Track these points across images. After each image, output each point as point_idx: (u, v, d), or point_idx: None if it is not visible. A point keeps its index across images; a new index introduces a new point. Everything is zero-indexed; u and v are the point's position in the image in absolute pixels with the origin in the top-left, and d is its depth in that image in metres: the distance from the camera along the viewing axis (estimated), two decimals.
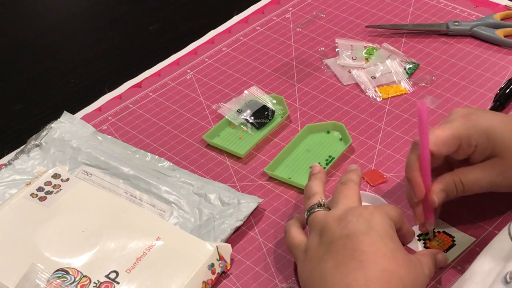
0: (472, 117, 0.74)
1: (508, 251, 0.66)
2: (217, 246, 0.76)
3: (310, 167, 0.87)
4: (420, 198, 0.74)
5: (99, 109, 1.01)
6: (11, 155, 0.94)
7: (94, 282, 0.73)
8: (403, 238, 0.73)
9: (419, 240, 0.78)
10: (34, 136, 0.94)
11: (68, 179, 0.85)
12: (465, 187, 0.75)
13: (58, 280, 0.73)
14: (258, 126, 0.94)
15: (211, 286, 0.77)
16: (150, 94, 1.03)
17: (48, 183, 0.84)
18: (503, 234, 0.68)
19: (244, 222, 0.83)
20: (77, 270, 0.74)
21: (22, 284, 0.72)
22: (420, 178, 0.74)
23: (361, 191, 0.83)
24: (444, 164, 0.77)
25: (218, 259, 0.77)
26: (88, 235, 0.78)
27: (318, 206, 0.73)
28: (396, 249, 0.68)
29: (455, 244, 0.78)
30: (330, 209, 0.73)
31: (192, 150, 0.93)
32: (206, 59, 1.08)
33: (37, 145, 0.93)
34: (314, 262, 0.69)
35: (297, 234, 0.74)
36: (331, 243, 0.68)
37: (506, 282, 0.62)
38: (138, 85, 1.05)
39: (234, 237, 0.82)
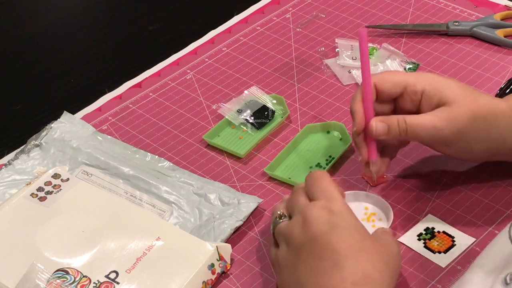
0: (425, 72, 0.78)
1: (508, 254, 0.66)
2: (217, 246, 0.76)
3: (310, 167, 0.87)
4: (360, 128, 0.77)
5: (99, 109, 1.01)
6: (11, 155, 0.94)
7: (94, 282, 0.73)
8: None
9: (419, 240, 0.78)
10: (34, 136, 0.94)
11: (68, 179, 0.85)
12: (408, 127, 0.76)
13: (58, 280, 0.73)
14: (258, 126, 0.94)
15: (211, 286, 0.77)
16: (150, 94, 1.03)
17: (48, 183, 0.84)
18: (503, 236, 0.68)
19: (244, 222, 0.83)
20: (77, 270, 0.74)
21: (22, 284, 0.72)
22: (361, 109, 0.76)
23: (361, 191, 0.83)
24: (394, 112, 0.79)
25: (218, 259, 0.77)
26: (88, 235, 0.78)
27: (279, 218, 0.73)
28: (364, 238, 0.68)
29: (455, 244, 0.78)
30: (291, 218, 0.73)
31: (192, 150, 0.93)
32: (206, 59, 1.08)
33: (37, 145, 0.93)
34: (288, 272, 0.69)
35: (272, 249, 0.74)
36: (299, 250, 0.69)
37: (506, 284, 0.62)
38: (138, 85, 1.05)
39: (234, 237, 0.82)
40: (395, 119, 0.77)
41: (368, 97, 0.76)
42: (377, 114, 0.79)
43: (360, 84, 0.97)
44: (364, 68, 0.75)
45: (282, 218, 0.73)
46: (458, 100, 0.76)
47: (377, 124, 0.76)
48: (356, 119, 0.77)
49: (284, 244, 0.71)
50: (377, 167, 0.79)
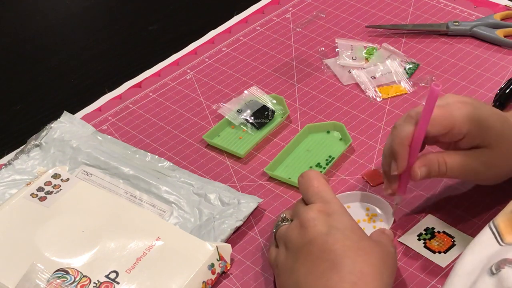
0: (468, 106, 0.75)
1: (492, 250, 0.66)
2: (217, 246, 0.76)
3: (310, 167, 0.87)
4: (401, 171, 0.75)
5: (99, 109, 1.01)
6: (11, 155, 0.94)
7: (94, 282, 0.73)
8: None
9: (419, 240, 0.78)
10: (34, 136, 0.94)
11: (68, 179, 0.85)
12: (448, 169, 0.75)
13: (58, 280, 0.73)
14: (258, 126, 0.94)
15: (211, 286, 0.77)
16: (150, 94, 1.03)
17: (48, 183, 0.84)
18: (485, 232, 0.68)
19: (244, 222, 0.83)
20: (77, 270, 0.74)
21: (22, 284, 0.72)
22: (407, 152, 0.74)
23: (361, 192, 0.83)
24: (430, 144, 0.78)
25: (218, 259, 0.77)
26: (88, 235, 0.78)
27: (281, 221, 0.74)
28: (360, 238, 0.69)
29: (455, 244, 0.78)
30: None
31: (192, 150, 0.93)
32: (206, 59, 1.08)
33: (37, 145, 0.93)
34: (287, 274, 0.70)
35: (272, 252, 0.75)
36: (297, 252, 0.69)
37: (492, 273, 0.62)
38: (138, 85, 1.05)
39: (234, 237, 0.82)
40: (435, 161, 0.75)
41: (418, 144, 0.74)
42: None
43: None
44: (425, 118, 0.72)
45: (284, 221, 0.74)
46: (500, 145, 0.75)
47: (421, 170, 0.75)
48: (399, 162, 0.75)
49: (283, 247, 0.72)
50: (401, 200, 0.79)
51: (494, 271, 0.62)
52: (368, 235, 0.72)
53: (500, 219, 0.67)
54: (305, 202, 0.74)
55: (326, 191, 0.73)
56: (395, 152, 0.75)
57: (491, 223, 0.68)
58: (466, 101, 0.75)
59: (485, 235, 0.67)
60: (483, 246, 0.66)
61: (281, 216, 0.75)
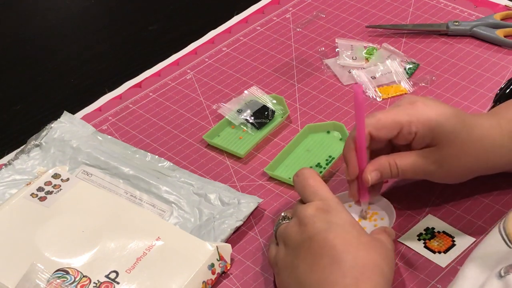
0: (418, 104, 0.76)
1: (501, 251, 0.66)
2: (217, 246, 0.76)
3: (310, 167, 0.87)
4: (352, 177, 0.77)
5: (99, 109, 1.01)
6: (11, 155, 0.94)
7: (94, 282, 0.73)
8: None
9: (419, 240, 0.78)
10: (34, 136, 0.94)
11: (68, 179, 0.85)
12: (399, 171, 0.77)
13: (58, 280, 0.73)
14: (258, 126, 0.94)
15: (211, 286, 0.77)
16: (150, 94, 1.03)
17: (48, 183, 0.84)
18: (494, 234, 0.68)
19: (244, 222, 0.83)
20: (77, 270, 0.74)
21: (22, 284, 0.72)
22: (355, 157, 0.76)
23: None
24: (387, 147, 0.79)
25: (218, 259, 0.77)
26: (88, 235, 0.78)
27: (282, 219, 0.74)
28: (360, 234, 0.69)
29: (455, 244, 0.78)
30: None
31: (192, 150, 0.93)
32: (206, 59, 1.08)
33: (37, 145, 0.93)
34: (287, 272, 0.70)
35: (272, 250, 0.75)
36: (296, 249, 0.69)
37: (501, 276, 0.62)
38: (138, 85, 1.05)
39: (234, 237, 0.82)
40: (387, 164, 0.76)
41: (362, 148, 0.75)
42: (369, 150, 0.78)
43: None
44: (359, 121, 0.74)
45: (285, 220, 0.74)
46: (450, 144, 0.75)
47: (372, 175, 0.76)
48: (349, 168, 0.77)
49: (282, 244, 0.72)
50: (367, 205, 0.80)
51: (503, 274, 0.62)
52: (370, 233, 0.72)
53: (509, 222, 0.67)
54: (303, 201, 0.74)
55: (322, 189, 0.73)
56: (345, 159, 0.77)
57: (500, 226, 0.68)
58: (415, 101, 0.76)
59: (494, 238, 0.67)
60: (492, 249, 0.66)
61: (282, 214, 0.75)
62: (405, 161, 0.77)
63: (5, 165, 0.91)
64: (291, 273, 0.69)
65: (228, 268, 0.78)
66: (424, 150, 0.76)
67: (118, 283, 0.73)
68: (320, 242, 0.68)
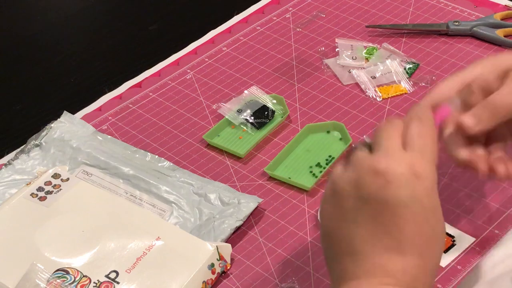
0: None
1: None
2: (217, 246, 0.76)
3: (310, 167, 0.87)
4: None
5: (99, 109, 1.01)
6: (11, 155, 0.94)
7: (94, 282, 0.73)
8: None
9: None
10: (34, 136, 0.94)
11: (68, 179, 0.85)
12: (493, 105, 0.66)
13: (58, 280, 0.73)
14: (258, 126, 0.94)
15: (211, 286, 0.77)
16: (150, 94, 1.03)
17: (48, 183, 0.84)
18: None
19: (244, 222, 0.83)
20: (77, 270, 0.74)
21: (22, 284, 0.72)
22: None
23: None
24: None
25: (218, 259, 0.77)
26: (88, 235, 0.78)
27: (363, 146, 0.61)
28: (437, 222, 0.58)
29: (455, 244, 0.78)
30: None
31: (192, 150, 0.93)
32: (206, 59, 1.08)
33: (37, 145, 0.93)
34: (343, 216, 0.58)
35: (338, 170, 0.61)
36: (366, 202, 0.57)
37: None
38: (138, 85, 1.05)
39: (234, 237, 0.82)
40: (479, 105, 0.66)
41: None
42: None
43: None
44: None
45: (365, 148, 0.60)
46: None
47: (468, 117, 0.65)
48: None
49: (352, 174, 0.59)
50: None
51: None
52: None
53: None
54: (402, 142, 0.59)
55: (428, 141, 0.59)
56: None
57: None
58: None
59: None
60: (509, 252, 0.65)
61: (365, 140, 0.61)
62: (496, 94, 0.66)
63: (5, 165, 0.91)
64: (347, 223, 0.58)
65: (228, 268, 0.78)
66: None
67: (118, 283, 0.73)
68: (394, 216, 0.56)
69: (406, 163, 0.57)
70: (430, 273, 0.58)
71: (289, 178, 0.87)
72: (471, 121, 0.65)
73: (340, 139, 0.92)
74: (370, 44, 1.06)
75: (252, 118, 0.95)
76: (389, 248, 0.57)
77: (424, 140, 0.59)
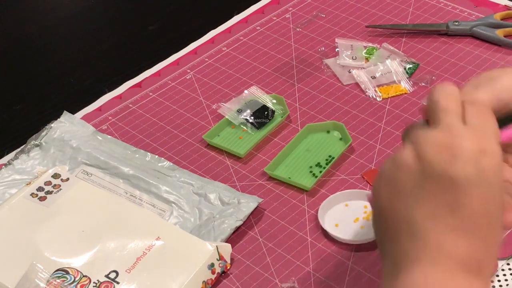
0: None
1: None
2: (217, 246, 0.76)
3: (310, 167, 0.87)
4: None
5: (99, 109, 1.01)
6: (11, 155, 0.94)
7: (94, 282, 0.73)
8: None
9: None
10: (34, 136, 0.94)
11: (68, 179, 0.85)
12: None
13: (58, 280, 0.73)
14: (258, 126, 0.94)
15: (211, 286, 0.77)
16: (150, 94, 1.03)
17: (48, 183, 0.84)
18: None
19: (244, 222, 0.83)
20: (77, 270, 0.74)
21: (22, 284, 0.72)
22: None
23: (361, 190, 0.83)
24: None
25: (218, 259, 0.77)
26: (88, 235, 0.78)
27: (420, 123, 0.58)
28: (502, 202, 0.55)
29: None
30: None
31: (192, 150, 0.93)
32: (206, 59, 1.08)
33: (37, 145, 0.93)
34: (404, 194, 0.54)
35: (416, 128, 0.57)
36: (429, 178, 0.53)
37: None
38: (138, 85, 1.05)
39: (234, 237, 0.82)
40: None
41: None
42: None
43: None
44: None
45: (423, 125, 0.57)
46: None
47: None
48: None
49: (411, 148, 0.55)
50: None
51: None
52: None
53: None
54: (462, 113, 0.55)
55: (492, 122, 0.55)
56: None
57: None
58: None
59: None
60: None
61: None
62: None
63: (5, 165, 0.91)
64: (406, 200, 0.54)
65: (228, 268, 0.78)
66: None
67: (118, 283, 0.73)
68: (458, 195, 0.53)
69: (472, 138, 0.53)
70: (494, 257, 0.55)
71: (289, 178, 0.87)
72: None
73: (340, 139, 0.92)
74: (370, 44, 1.06)
75: (252, 118, 0.95)
76: (453, 228, 0.53)
77: (485, 119, 0.55)
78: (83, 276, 0.74)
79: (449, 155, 0.53)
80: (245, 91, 0.99)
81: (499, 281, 0.75)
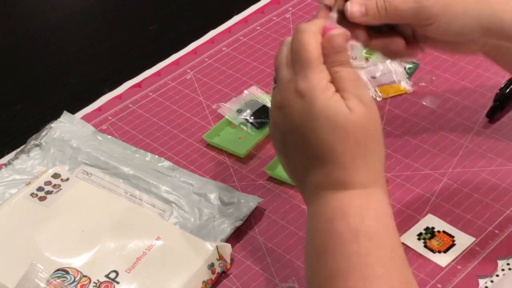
0: None
1: None
2: (217, 246, 0.76)
3: None
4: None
5: (99, 109, 1.01)
6: (11, 155, 0.94)
7: (94, 282, 0.73)
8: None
9: (419, 239, 0.78)
10: (34, 136, 0.94)
11: (68, 179, 0.85)
12: (387, 4, 0.69)
13: (58, 280, 0.73)
14: (258, 126, 0.94)
15: (211, 286, 0.77)
16: (150, 94, 1.03)
17: (48, 183, 0.84)
18: None
19: (244, 222, 0.83)
20: (77, 270, 0.74)
21: (22, 284, 0.72)
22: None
23: None
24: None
25: (218, 258, 0.77)
26: (88, 235, 0.78)
27: (273, 82, 0.66)
28: (335, 125, 0.61)
29: (455, 244, 0.78)
30: None
31: (192, 150, 0.93)
32: (206, 59, 1.08)
33: (37, 145, 0.93)
34: (283, 141, 0.64)
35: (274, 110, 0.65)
36: (284, 136, 0.63)
37: None
38: (138, 85, 1.05)
39: (234, 237, 0.82)
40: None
41: None
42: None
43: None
44: None
45: (275, 84, 0.65)
46: None
47: (352, 5, 0.68)
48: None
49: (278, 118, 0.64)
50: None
51: None
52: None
53: None
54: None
55: (308, 51, 0.62)
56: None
57: None
58: None
59: None
60: None
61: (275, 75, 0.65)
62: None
63: (5, 165, 0.91)
64: (283, 150, 0.64)
65: (228, 268, 0.78)
66: None
67: (118, 282, 0.73)
68: (301, 141, 0.61)
69: (290, 88, 0.62)
70: (380, 162, 0.62)
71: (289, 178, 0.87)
72: (358, 11, 0.68)
73: None
74: None
75: (252, 118, 0.95)
76: (310, 166, 0.62)
77: (298, 53, 0.62)
78: (83, 276, 0.74)
79: (282, 112, 0.62)
80: (245, 91, 0.99)
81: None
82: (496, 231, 0.78)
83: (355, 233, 0.58)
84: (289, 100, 0.62)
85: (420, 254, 0.77)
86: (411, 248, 0.78)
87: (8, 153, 0.95)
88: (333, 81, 0.62)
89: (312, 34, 0.62)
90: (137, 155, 0.91)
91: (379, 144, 0.62)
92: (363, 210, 0.59)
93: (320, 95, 0.60)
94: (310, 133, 0.60)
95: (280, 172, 0.88)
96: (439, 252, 0.77)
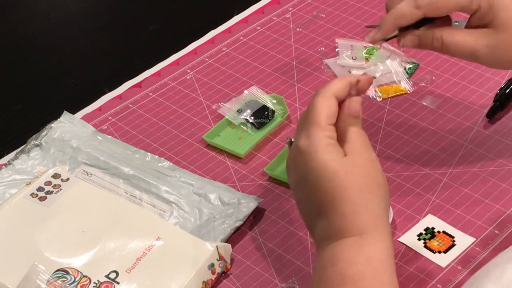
0: None
1: None
2: (217, 246, 0.76)
3: None
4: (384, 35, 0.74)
5: (99, 109, 1.01)
6: (11, 155, 0.94)
7: (94, 282, 0.73)
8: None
9: (419, 239, 0.78)
10: (34, 136, 0.94)
11: (68, 179, 0.85)
12: (443, 44, 0.73)
13: (58, 280, 0.73)
14: (258, 126, 0.94)
15: (211, 286, 0.77)
16: (150, 94, 1.03)
17: (48, 183, 0.84)
18: None
19: (244, 222, 0.83)
20: (77, 270, 0.74)
21: (23, 285, 0.72)
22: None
23: None
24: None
25: (218, 259, 0.77)
26: (88, 235, 0.78)
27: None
28: (337, 185, 0.64)
29: (455, 244, 0.78)
30: None
31: (192, 150, 0.93)
32: (206, 59, 1.08)
33: (37, 145, 0.93)
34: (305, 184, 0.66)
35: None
36: (297, 186, 0.67)
37: None
38: (138, 85, 1.05)
39: (234, 237, 0.82)
40: (430, 34, 0.73)
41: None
42: None
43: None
44: None
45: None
46: (508, 27, 0.71)
47: (407, 38, 0.73)
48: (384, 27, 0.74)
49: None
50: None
51: None
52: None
53: None
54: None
55: (317, 117, 0.65)
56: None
57: None
58: None
59: None
60: None
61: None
62: (453, 36, 0.73)
63: (5, 165, 0.91)
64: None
65: (228, 268, 0.78)
66: (479, 30, 0.72)
67: (118, 283, 0.73)
68: (303, 192, 0.65)
69: (292, 149, 0.67)
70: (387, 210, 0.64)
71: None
72: (411, 43, 0.74)
73: None
74: (370, 44, 1.06)
75: (252, 118, 0.95)
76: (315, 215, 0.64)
77: (308, 113, 0.66)
78: (83, 276, 0.74)
79: (293, 162, 0.67)
80: (245, 91, 0.99)
81: None
82: (496, 231, 0.78)
83: (341, 278, 0.61)
84: (294, 154, 0.66)
85: (420, 255, 0.77)
86: (411, 248, 0.78)
87: (8, 153, 0.95)
88: (339, 138, 0.66)
89: (325, 97, 0.66)
90: (137, 155, 0.91)
91: (381, 189, 0.64)
92: (352, 256, 0.62)
93: (319, 150, 0.64)
94: (311, 185, 0.64)
95: (280, 172, 0.88)
96: (439, 252, 0.77)
